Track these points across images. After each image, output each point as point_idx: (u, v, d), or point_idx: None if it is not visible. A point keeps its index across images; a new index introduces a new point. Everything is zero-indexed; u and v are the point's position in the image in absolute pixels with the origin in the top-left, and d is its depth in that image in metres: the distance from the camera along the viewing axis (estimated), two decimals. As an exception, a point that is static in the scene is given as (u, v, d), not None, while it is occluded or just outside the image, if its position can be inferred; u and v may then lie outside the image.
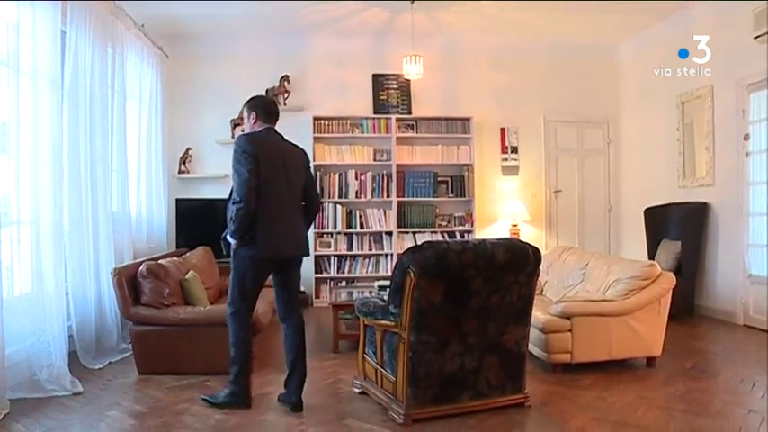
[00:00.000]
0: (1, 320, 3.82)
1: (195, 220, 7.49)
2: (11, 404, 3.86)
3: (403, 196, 8.17)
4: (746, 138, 6.35)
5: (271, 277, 4.10)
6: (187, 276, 5.27)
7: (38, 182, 4.46)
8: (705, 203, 6.88)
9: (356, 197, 8.13)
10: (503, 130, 8.58)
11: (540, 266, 3.93)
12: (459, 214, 8.34)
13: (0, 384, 3.81)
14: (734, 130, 6.48)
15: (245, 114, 4.11)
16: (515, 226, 8.28)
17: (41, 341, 4.35)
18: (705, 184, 6.93)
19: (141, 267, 4.84)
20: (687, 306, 6.70)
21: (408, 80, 8.01)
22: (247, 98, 8.12)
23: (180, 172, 7.97)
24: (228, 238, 3.93)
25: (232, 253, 3.97)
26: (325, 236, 8.08)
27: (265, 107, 4.12)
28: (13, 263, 4.34)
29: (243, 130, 4.15)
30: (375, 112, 8.28)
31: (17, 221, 4.38)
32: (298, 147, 4.24)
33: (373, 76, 8.36)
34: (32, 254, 4.43)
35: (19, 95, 4.32)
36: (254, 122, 4.06)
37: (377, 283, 6.20)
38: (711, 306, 6.80)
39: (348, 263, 8.13)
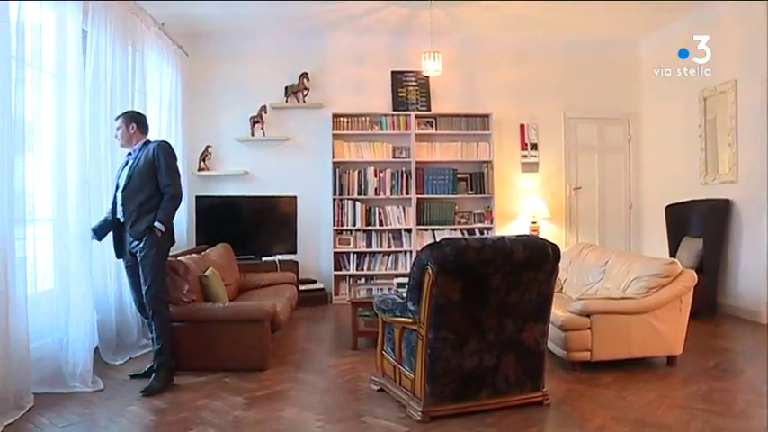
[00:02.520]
0: (26, 316, 3.89)
1: (215, 218, 7.54)
2: (35, 398, 3.93)
3: (422, 193, 8.16)
4: (771, 134, 6.26)
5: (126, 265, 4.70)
6: (206, 273, 5.30)
7: (60, 179, 4.51)
8: (728, 200, 6.78)
9: (375, 194, 8.13)
10: (522, 126, 8.54)
11: (560, 264, 3.90)
12: (479, 211, 8.31)
13: (25, 378, 3.88)
14: (758, 125, 6.38)
15: (124, 125, 4.60)
16: (535, 223, 8.24)
17: (65, 337, 4.41)
18: (728, 181, 6.83)
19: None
20: (709, 304, 6.61)
21: (427, 77, 7.99)
22: (266, 95, 8.29)
23: (200, 169, 8.03)
24: (159, 225, 4.41)
25: (150, 242, 4.40)
26: (344, 233, 8.10)
27: (144, 121, 4.75)
28: (37, 259, 4.43)
29: (120, 136, 4.64)
30: (394, 109, 8.27)
31: (41, 219, 4.46)
32: None
33: (392, 73, 8.35)
34: (56, 251, 4.50)
35: (42, 95, 4.40)
36: (134, 133, 4.61)
37: (396, 281, 6.20)
38: (734, 304, 6.71)
39: (367, 260, 8.14)
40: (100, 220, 4.67)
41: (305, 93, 8.10)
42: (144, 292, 4.43)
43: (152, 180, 4.47)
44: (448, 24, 7.76)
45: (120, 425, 3.70)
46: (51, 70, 4.51)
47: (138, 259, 4.44)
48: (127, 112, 4.76)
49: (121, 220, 4.51)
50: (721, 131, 6.99)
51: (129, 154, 4.59)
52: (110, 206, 4.66)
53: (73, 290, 4.49)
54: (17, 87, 3.89)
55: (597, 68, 8.54)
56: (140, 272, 4.43)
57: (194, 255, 5.63)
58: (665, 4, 6.91)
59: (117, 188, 4.57)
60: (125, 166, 4.59)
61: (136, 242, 4.44)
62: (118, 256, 4.68)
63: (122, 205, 4.50)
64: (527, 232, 7.95)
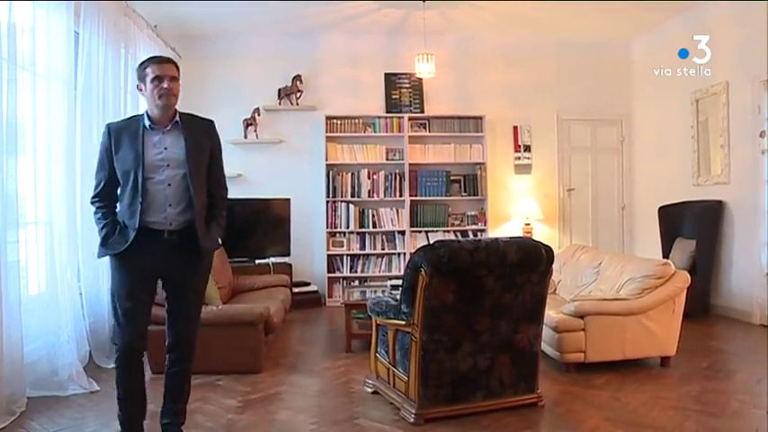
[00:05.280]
0: (19, 320, 3.88)
1: (208, 220, 7.51)
2: (29, 402, 3.91)
3: (416, 195, 8.15)
4: (762, 135, 6.27)
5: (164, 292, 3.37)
6: (200, 276, 5.27)
7: (52, 182, 4.49)
8: (720, 201, 6.81)
9: (369, 196, 8.12)
10: (515, 128, 8.54)
11: (553, 265, 3.90)
12: (472, 213, 8.31)
13: (19, 382, 3.87)
14: (750, 127, 6.40)
15: (178, 75, 3.28)
16: (528, 225, 8.24)
17: (58, 340, 4.39)
18: (720, 182, 6.86)
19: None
20: (702, 305, 6.63)
21: (421, 79, 7.99)
22: (259, 97, 8.24)
23: (193, 172, 7.98)
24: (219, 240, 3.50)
25: (209, 262, 3.41)
26: (337, 235, 8.09)
27: None
28: (29, 263, 4.40)
29: (173, 92, 3.20)
30: (387, 111, 8.27)
31: (32, 222, 4.43)
32: None
33: (385, 74, 8.34)
34: (47, 254, 4.47)
35: (34, 96, 4.37)
36: None
37: (389, 283, 6.21)
38: (727, 305, 6.73)
39: (361, 262, 8.13)
40: (112, 235, 3.12)
41: (298, 95, 8.09)
42: (185, 327, 3.34)
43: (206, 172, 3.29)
44: (441, 26, 7.75)
45: (112, 429, 3.65)
46: (43, 72, 4.48)
47: (187, 284, 3.29)
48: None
49: (169, 226, 3.14)
50: (713, 133, 7.01)
51: (153, 126, 3.16)
52: (103, 205, 3.18)
53: (62, 293, 4.46)
54: (8, 89, 3.87)
55: (590, 70, 8.56)
56: (185, 301, 3.31)
57: (187, 257, 5.60)
58: (658, 5, 6.91)
59: (141, 175, 3.06)
60: (140, 140, 3.11)
61: (189, 260, 3.21)
62: (130, 276, 3.14)
63: (181, 203, 3.16)
64: (520, 234, 7.96)
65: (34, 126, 4.38)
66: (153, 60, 3.22)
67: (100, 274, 5.14)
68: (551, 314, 4.52)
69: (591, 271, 5.58)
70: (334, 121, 8.08)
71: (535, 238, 6.24)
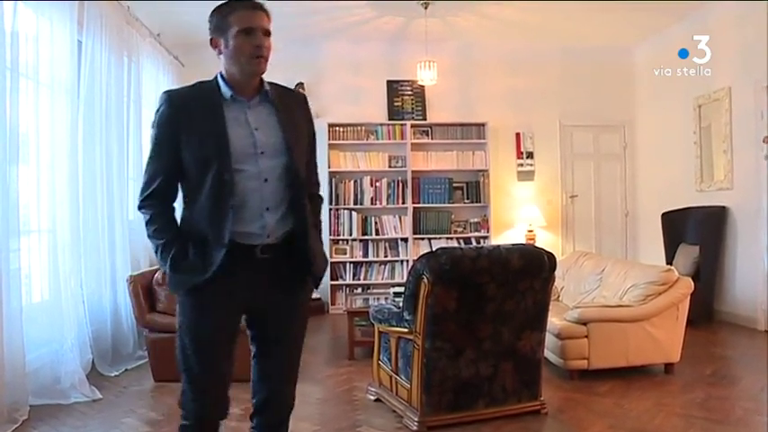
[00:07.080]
0: (21, 327, 3.87)
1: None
2: (31, 410, 3.89)
3: (418, 202, 8.16)
4: (765, 140, 6.26)
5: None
6: (202, 283, 5.26)
7: (55, 190, 4.50)
8: (724, 207, 6.79)
9: (371, 204, 8.13)
10: (518, 135, 8.54)
11: (556, 272, 3.89)
12: (475, 220, 8.31)
13: (21, 390, 3.85)
14: (752, 132, 6.38)
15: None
16: (531, 231, 8.23)
17: (61, 348, 4.39)
18: (723, 188, 6.84)
19: (156, 275, 4.85)
20: (706, 311, 6.60)
21: (423, 86, 8.00)
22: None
23: (196, 179, 7.99)
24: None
25: (310, 292, 2.62)
26: (340, 242, 8.09)
27: None
28: (32, 271, 4.41)
29: (265, 53, 2.34)
30: (390, 119, 8.28)
31: (35, 230, 4.44)
32: None
33: (388, 82, 8.36)
34: (50, 261, 4.47)
35: (37, 105, 4.38)
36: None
37: (392, 290, 6.17)
38: (731, 311, 6.70)
39: (363, 269, 8.13)
40: (185, 257, 2.23)
41: (301, 102, 8.08)
42: (283, 383, 2.62)
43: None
44: (443, 33, 7.77)
45: (115, 437, 3.68)
46: (46, 81, 4.50)
47: (288, 323, 2.48)
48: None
49: (266, 238, 2.27)
50: (716, 138, 7.00)
51: (235, 96, 2.32)
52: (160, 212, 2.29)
53: (65, 301, 4.46)
54: (11, 98, 3.88)
55: (592, 76, 8.56)
56: (286, 348, 2.54)
57: (190, 265, 5.59)
58: (660, 7, 6.90)
59: (229, 165, 2.20)
60: (220, 116, 2.26)
61: (291, 288, 2.39)
62: (219, 321, 2.33)
63: (281, 207, 2.31)
64: (523, 241, 7.95)
65: (37, 135, 4.40)
66: (240, 5, 2.29)
67: (102, 282, 5.16)
68: (554, 321, 4.51)
69: (594, 278, 5.56)
70: (337, 128, 8.09)
71: (538, 244, 6.21)
